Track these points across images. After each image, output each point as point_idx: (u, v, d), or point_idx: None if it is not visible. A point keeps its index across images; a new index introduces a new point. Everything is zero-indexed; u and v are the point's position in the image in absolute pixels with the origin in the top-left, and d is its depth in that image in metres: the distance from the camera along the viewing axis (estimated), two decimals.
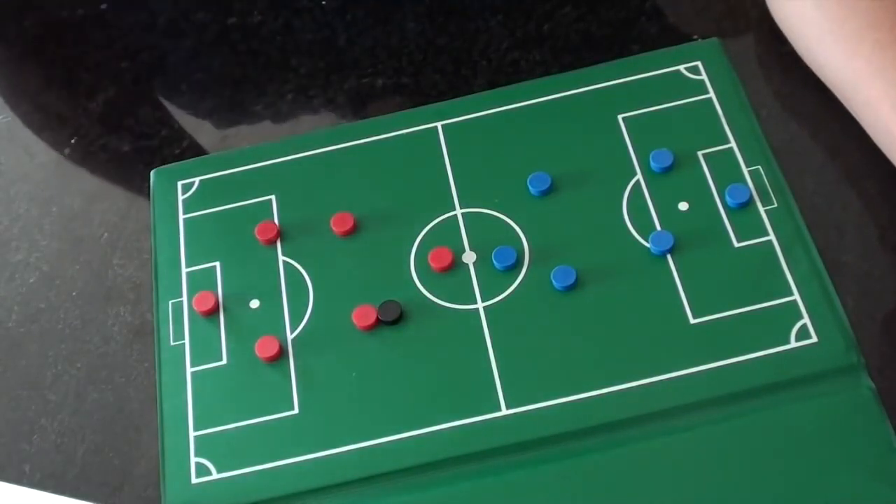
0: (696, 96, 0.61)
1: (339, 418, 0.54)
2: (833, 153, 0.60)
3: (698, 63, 0.62)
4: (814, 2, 0.59)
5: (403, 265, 0.58)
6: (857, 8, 0.57)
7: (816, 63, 0.60)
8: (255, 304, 0.58)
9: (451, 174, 0.61)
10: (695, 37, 0.65)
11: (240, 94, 0.68)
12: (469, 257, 0.58)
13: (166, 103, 0.69)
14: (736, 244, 0.56)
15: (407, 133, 0.63)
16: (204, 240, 0.61)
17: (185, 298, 0.59)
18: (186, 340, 0.57)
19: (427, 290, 0.57)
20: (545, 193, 0.59)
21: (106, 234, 0.64)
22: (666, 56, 0.63)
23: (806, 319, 0.53)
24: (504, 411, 0.53)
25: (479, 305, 0.56)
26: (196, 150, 0.66)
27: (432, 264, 0.57)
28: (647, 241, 0.56)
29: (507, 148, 0.61)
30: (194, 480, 0.53)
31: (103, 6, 0.74)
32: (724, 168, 0.58)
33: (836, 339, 0.52)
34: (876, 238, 0.57)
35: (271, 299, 0.58)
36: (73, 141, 0.69)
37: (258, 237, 0.60)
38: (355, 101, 0.66)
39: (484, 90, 0.65)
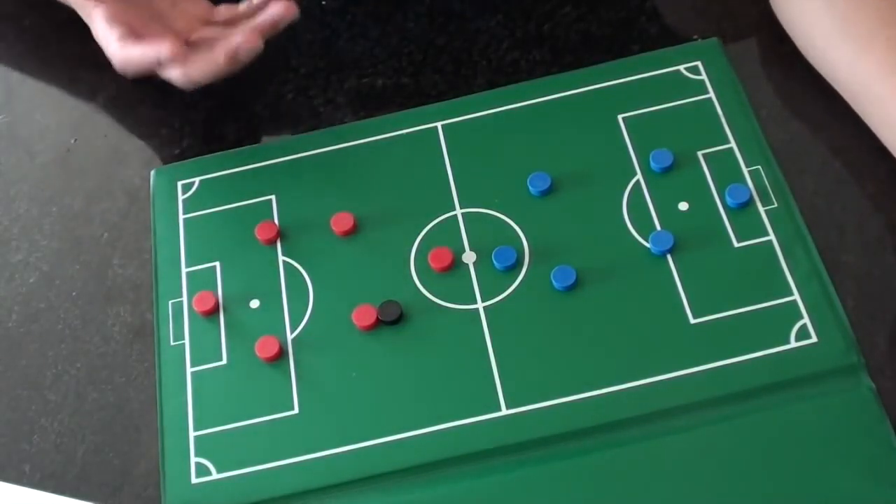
0: (696, 96, 0.61)
1: (339, 418, 0.54)
2: (833, 153, 0.60)
3: (698, 63, 0.62)
4: (821, 2, 0.58)
5: (403, 265, 0.58)
6: (866, 6, 0.57)
7: (823, 62, 0.60)
8: (255, 304, 0.58)
9: (451, 174, 0.61)
10: (695, 37, 0.65)
11: (240, 94, 0.68)
12: (469, 257, 0.58)
13: (166, 103, 0.69)
14: (736, 244, 0.56)
15: (407, 133, 0.63)
16: (204, 240, 0.61)
17: (185, 298, 0.59)
18: (186, 340, 0.58)
19: (427, 290, 0.57)
20: (545, 193, 0.59)
21: (106, 234, 0.64)
22: (666, 56, 0.63)
23: (806, 319, 0.53)
24: (504, 411, 0.53)
25: (479, 305, 0.56)
26: (196, 150, 0.66)
27: (432, 264, 0.57)
28: (647, 241, 0.56)
29: (507, 148, 0.61)
30: (194, 480, 0.53)
31: None
32: (724, 168, 0.58)
33: (836, 339, 0.52)
34: (876, 238, 0.57)
35: (271, 299, 0.58)
36: (73, 141, 0.69)
37: (258, 237, 0.60)
38: (355, 101, 0.66)
39: (484, 90, 0.65)
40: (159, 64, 0.60)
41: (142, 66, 0.60)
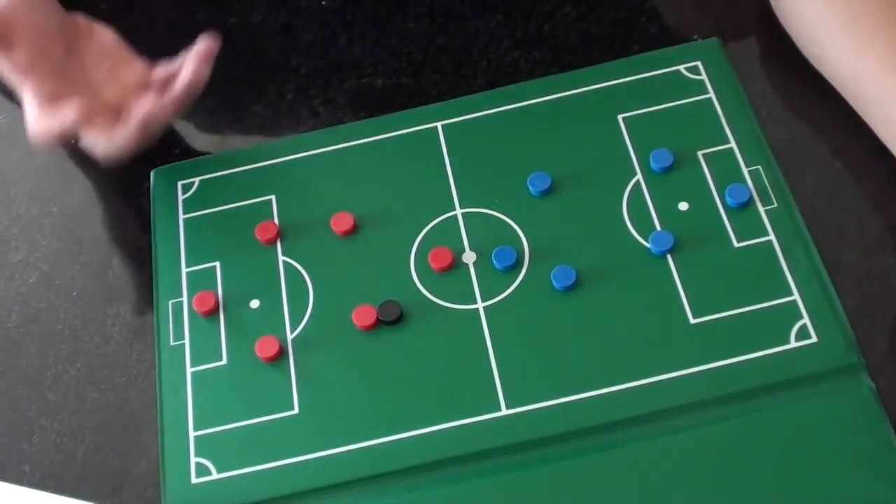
0: (696, 96, 0.61)
1: (339, 418, 0.54)
2: (833, 153, 0.60)
3: (698, 63, 0.62)
4: (822, 1, 0.59)
5: (403, 265, 0.58)
6: (867, 6, 0.57)
7: (824, 62, 0.60)
8: (255, 304, 0.58)
9: (451, 174, 0.61)
10: (695, 37, 0.65)
11: (240, 94, 0.68)
12: (469, 257, 0.58)
13: None
14: (736, 244, 0.56)
15: (407, 133, 0.63)
16: (204, 240, 0.61)
17: (185, 298, 0.59)
18: (186, 340, 0.58)
19: (427, 290, 0.57)
20: (545, 193, 0.59)
21: (106, 234, 0.64)
22: (666, 56, 0.63)
23: (806, 319, 0.53)
24: (504, 411, 0.53)
25: (479, 305, 0.56)
26: (196, 151, 0.66)
27: (432, 264, 0.57)
28: (647, 241, 0.56)
29: (507, 148, 0.61)
30: (194, 480, 0.53)
31: (103, 6, 0.74)
32: (724, 168, 0.58)
33: (836, 339, 0.52)
34: (876, 238, 0.57)
35: (271, 299, 0.58)
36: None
37: (258, 237, 0.60)
38: (355, 101, 0.66)
39: (484, 90, 0.65)
40: (73, 129, 0.57)
41: (54, 135, 0.57)
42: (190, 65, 0.58)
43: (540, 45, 0.67)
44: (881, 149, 0.57)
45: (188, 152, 0.66)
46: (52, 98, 0.58)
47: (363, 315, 0.56)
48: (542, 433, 0.52)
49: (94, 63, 0.62)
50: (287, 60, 0.69)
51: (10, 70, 0.59)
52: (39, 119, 0.58)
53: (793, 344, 0.52)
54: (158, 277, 0.60)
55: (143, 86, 0.61)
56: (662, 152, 0.59)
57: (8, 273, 0.63)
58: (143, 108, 0.58)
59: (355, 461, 0.52)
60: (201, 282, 0.59)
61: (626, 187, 0.59)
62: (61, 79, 0.60)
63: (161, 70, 0.62)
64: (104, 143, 0.58)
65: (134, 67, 0.63)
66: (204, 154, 0.65)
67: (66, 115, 0.57)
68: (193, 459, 0.54)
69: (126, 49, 0.64)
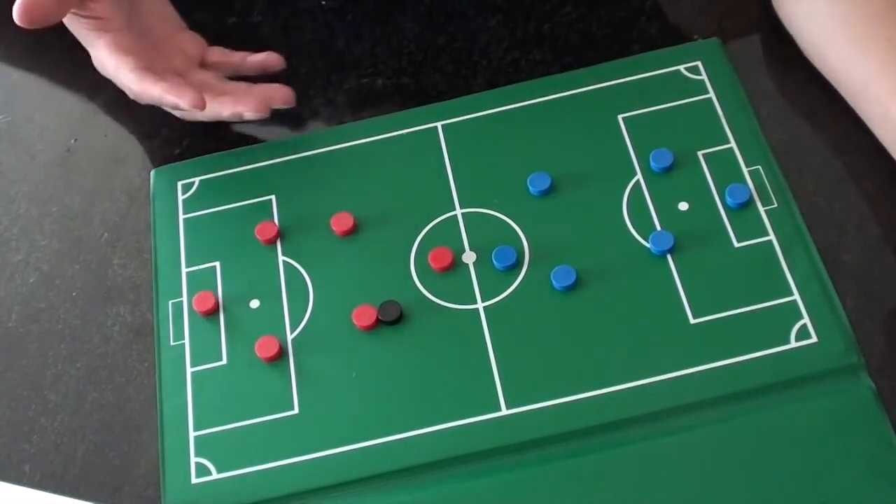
0: (696, 96, 0.61)
1: (339, 418, 0.54)
2: (833, 153, 0.60)
3: (698, 63, 0.62)
4: (823, 2, 0.59)
5: (403, 265, 0.58)
6: (867, 7, 0.57)
7: (824, 62, 0.60)
8: (255, 304, 0.58)
9: (451, 174, 0.61)
10: (695, 37, 0.65)
11: None
12: (469, 257, 0.58)
13: None
14: (736, 244, 0.56)
15: (407, 133, 0.63)
16: (204, 240, 0.61)
17: (185, 298, 0.59)
18: (186, 340, 0.58)
19: (427, 290, 0.57)
20: (545, 193, 0.59)
21: (106, 234, 0.64)
22: (666, 56, 0.63)
23: (806, 319, 0.53)
24: (504, 411, 0.53)
25: (479, 305, 0.56)
26: (196, 150, 0.66)
27: (432, 264, 0.57)
28: (647, 241, 0.56)
29: (507, 148, 0.61)
30: (194, 480, 0.53)
31: None
32: (724, 168, 0.58)
33: (836, 339, 0.52)
34: (876, 238, 0.57)
35: (271, 299, 0.58)
36: (73, 141, 0.69)
37: (258, 237, 0.60)
38: (355, 101, 0.66)
39: (484, 90, 0.65)
40: (175, 107, 0.60)
41: (157, 102, 0.60)
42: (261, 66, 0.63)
43: (540, 45, 0.67)
44: (881, 149, 0.57)
45: (188, 152, 0.66)
46: (136, 57, 0.60)
47: (363, 315, 0.56)
48: (542, 433, 0.52)
49: (154, 24, 0.64)
50: (287, 60, 0.69)
51: (87, 26, 0.59)
52: (144, 81, 0.59)
53: (793, 344, 0.52)
54: (158, 277, 0.60)
55: (201, 61, 0.64)
56: (662, 152, 0.59)
57: (8, 273, 0.63)
58: (240, 106, 0.61)
59: (355, 461, 0.52)
60: (201, 282, 0.59)
61: (626, 187, 0.59)
62: (136, 40, 0.61)
63: (217, 52, 0.65)
64: (185, 114, 0.61)
65: (192, 38, 0.65)
66: (204, 154, 0.65)
67: (180, 98, 0.58)
68: (193, 459, 0.54)
69: (179, 18, 0.66)
